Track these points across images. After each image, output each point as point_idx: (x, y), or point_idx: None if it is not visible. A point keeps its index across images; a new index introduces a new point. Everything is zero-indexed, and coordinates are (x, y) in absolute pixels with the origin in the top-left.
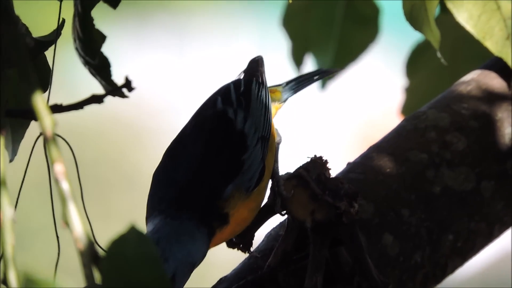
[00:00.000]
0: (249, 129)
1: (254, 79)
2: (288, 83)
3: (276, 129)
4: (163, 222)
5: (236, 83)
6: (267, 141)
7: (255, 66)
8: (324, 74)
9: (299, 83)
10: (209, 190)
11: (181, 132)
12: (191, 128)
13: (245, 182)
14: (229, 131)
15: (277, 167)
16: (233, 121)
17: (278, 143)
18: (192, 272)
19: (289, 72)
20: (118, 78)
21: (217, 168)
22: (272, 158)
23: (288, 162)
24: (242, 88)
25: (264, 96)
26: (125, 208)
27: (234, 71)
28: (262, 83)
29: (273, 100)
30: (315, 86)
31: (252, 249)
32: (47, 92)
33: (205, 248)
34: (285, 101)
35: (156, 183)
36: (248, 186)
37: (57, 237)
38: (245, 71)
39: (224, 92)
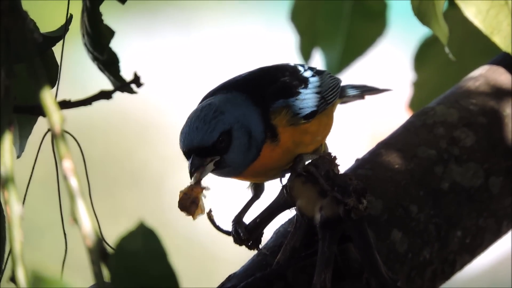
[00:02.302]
0: (313, 81)
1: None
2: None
3: (327, 146)
4: (222, 95)
5: (312, 67)
6: (326, 104)
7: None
8: (375, 91)
9: (352, 88)
10: (264, 94)
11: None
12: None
13: (295, 107)
14: (294, 72)
15: (307, 157)
16: (301, 71)
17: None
18: (250, 146)
19: (295, 55)
20: (126, 73)
21: (276, 85)
22: (326, 128)
23: None
24: (316, 69)
25: (335, 81)
26: (133, 205)
27: (242, 67)
28: (336, 79)
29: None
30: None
31: (260, 246)
32: (55, 88)
33: (260, 131)
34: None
35: (218, 86)
36: (297, 113)
37: (65, 234)
38: None
39: (296, 63)
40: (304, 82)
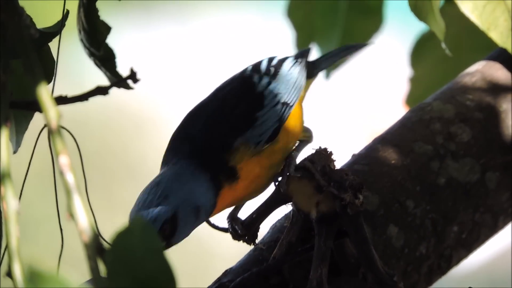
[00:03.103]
0: (270, 92)
1: (293, 57)
2: (317, 59)
3: (308, 128)
4: (169, 167)
5: (271, 57)
6: (289, 108)
7: (301, 52)
8: (351, 50)
9: (327, 59)
10: (218, 142)
11: (206, 96)
12: (214, 90)
13: (254, 137)
14: (249, 91)
15: (296, 155)
16: (256, 84)
17: (308, 142)
18: (198, 219)
19: (291, 45)
20: (123, 68)
21: (230, 122)
22: (297, 127)
23: None
24: (275, 61)
25: (297, 72)
26: (129, 200)
27: (238, 58)
28: (299, 62)
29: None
30: (319, 77)
31: (257, 241)
32: (52, 83)
33: (211, 195)
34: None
35: (172, 140)
36: (258, 141)
37: (61, 229)
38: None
39: (256, 63)
40: (260, 101)
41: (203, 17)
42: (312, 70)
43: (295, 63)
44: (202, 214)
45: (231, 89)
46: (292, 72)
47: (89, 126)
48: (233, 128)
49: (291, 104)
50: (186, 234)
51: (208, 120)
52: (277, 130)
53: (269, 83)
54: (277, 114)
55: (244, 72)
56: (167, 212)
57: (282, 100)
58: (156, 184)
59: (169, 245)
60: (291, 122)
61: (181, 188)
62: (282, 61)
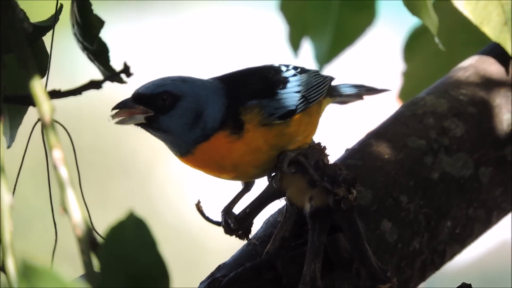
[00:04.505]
0: (293, 81)
1: (320, 73)
2: (338, 85)
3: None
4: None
5: (299, 66)
6: (307, 102)
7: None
8: (371, 91)
9: (347, 87)
10: (242, 91)
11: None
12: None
13: (270, 107)
14: (276, 73)
15: (291, 154)
16: (283, 71)
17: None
18: (194, 123)
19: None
20: (116, 61)
21: (254, 86)
22: (309, 127)
23: None
24: (301, 68)
25: (320, 81)
26: (122, 194)
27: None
28: (324, 77)
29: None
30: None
31: (250, 236)
32: (45, 77)
33: (218, 120)
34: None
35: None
36: (272, 113)
37: (55, 223)
38: None
39: (282, 64)
40: (283, 82)
41: (195, 9)
42: (332, 91)
43: (320, 76)
44: (200, 125)
45: (263, 67)
46: (317, 79)
47: (83, 120)
48: (255, 91)
49: (310, 99)
50: (177, 124)
51: (235, 80)
52: (291, 113)
53: (294, 75)
54: (295, 100)
55: (271, 64)
56: (176, 87)
57: (303, 92)
58: (182, 78)
59: (157, 120)
60: (305, 119)
61: (201, 89)
62: (308, 69)
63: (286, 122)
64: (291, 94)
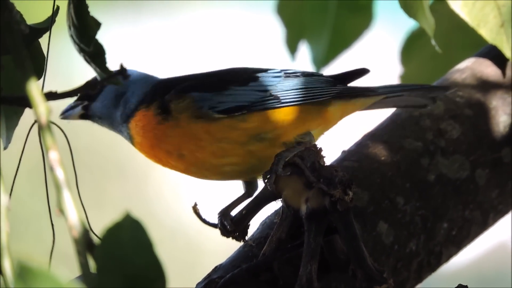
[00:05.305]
0: (263, 81)
1: (322, 75)
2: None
3: (309, 132)
4: None
5: (300, 70)
6: (277, 103)
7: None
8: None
9: (387, 89)
10: (179, 85)
11: None
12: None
13: (210, 100)
14: (244, 73)
15: (286, 155)
16: (262, 71)
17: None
18: (117, 101)
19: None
20: (112, 63)
21: (201, 80)
22: (284, 123)
23: None
24: (302, 72)
25: (318, 82)
26: (119, 196)
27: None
28: (326, 80)
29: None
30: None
31: (247, 237)
32: (42, 79)
33: (140, 98)
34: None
35: None
36: (212, 106)
37: (52, 224)
38: None
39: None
40: (246, 80)
41: (192, 11)
42: (364, 91)
43: (322, 78)
44: (122, 102)
45: (240, 68)
46: (313, 81)
47: (79, 122)
48: (201, 85)
49: (282, 100)
50: (104, 106)
51: (200, 75)
52: (241, 108)
53: (276, 76)
54: (253, 97)
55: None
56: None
57: (274, 92)
58: None
59: (91, 108)
60: (274, 115)
61: (133, 76)
62: (308, 72)
63: (238, 116)
64: (251, 92)
